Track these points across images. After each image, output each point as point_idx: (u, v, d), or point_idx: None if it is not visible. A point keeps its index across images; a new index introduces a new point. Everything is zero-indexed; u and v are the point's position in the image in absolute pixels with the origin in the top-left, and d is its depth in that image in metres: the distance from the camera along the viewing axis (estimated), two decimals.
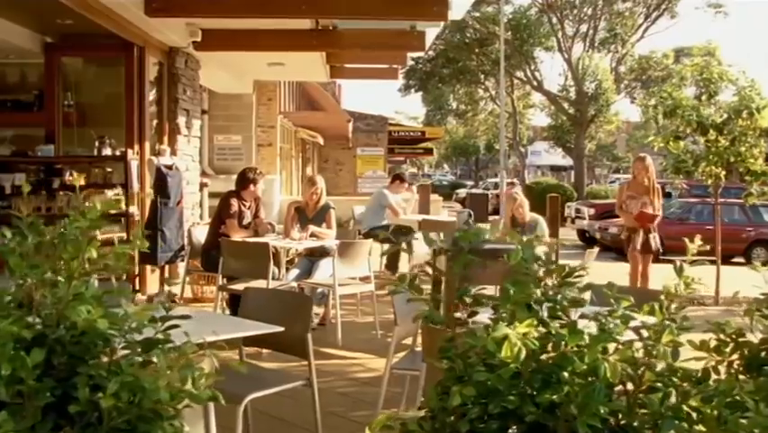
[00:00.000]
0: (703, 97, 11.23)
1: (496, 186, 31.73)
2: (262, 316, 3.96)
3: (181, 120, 9.99)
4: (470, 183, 56.08)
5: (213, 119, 15.75)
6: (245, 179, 7.63)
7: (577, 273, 2.06)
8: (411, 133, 38.95)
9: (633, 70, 33.13)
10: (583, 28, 33.52)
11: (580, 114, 30.84)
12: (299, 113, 20.77)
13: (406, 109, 68.35)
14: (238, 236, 7.32)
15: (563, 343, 1.74)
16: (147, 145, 8.81)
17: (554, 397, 1.67)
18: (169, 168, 8.29)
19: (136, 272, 8.54)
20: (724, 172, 10.81)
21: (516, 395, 1.74)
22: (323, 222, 7.71)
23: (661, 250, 9.25)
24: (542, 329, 1.88)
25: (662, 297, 1.84)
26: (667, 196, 21.71)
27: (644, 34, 33.92)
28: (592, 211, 20.59)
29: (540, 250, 6.98)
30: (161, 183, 8.14)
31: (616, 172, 56.58)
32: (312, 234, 7.49)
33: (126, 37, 8.35)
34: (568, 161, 41.80)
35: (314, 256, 7.64)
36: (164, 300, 3.79)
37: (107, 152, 8.22)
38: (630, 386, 1.91)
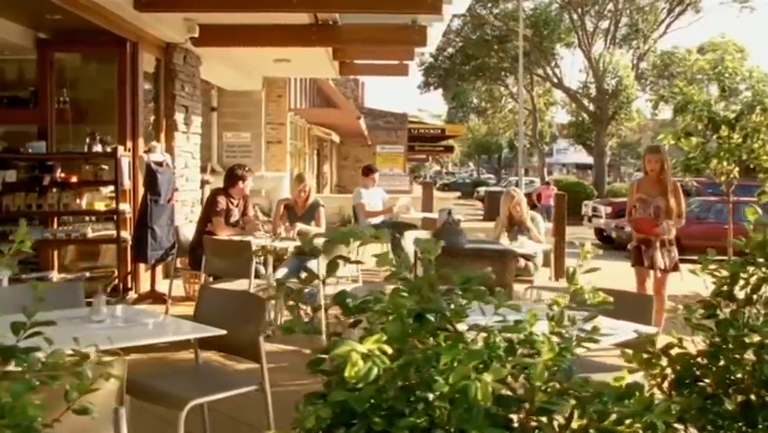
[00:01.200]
0: (716, 92, 10.93)
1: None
2: (215, 318, 3.82)
3: (179, 116, 9.89)
4: (492, 181, 55.72)
5: (222, 116, 15.69)
6: (233, 177, 7.51)
7: (480, 279, 1.87)
8: (431, 131, 38.75)
9: (655, 67, 32.61)
10: (604, 24, 33.09)
11: (600, 111, 30.39)
12: (312, 110, 20.65)
13: (430, 107, 68.02)
14: (225, 234, 7.20)
15: (436, 359, 1.55)
16: (140, 142, 8.70)
17: (419, 421, 1.49)
18: (160, 164, 8.18)
19: (128, 270, 8.44)
20: (737, 169, 10.52)
21: (386, 417, 1.56)
22: (312, 220, 7.56)
23: (667, 265, 6.94)
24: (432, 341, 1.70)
25: (553, 307, 1.65)
26: (688, 194, 21.29)
27: (666, 30, 33.40)
28: (609, 210, 20.21)
29: (535, 248, 6.73)
30: (152, 180, 8.04)
31: (640, 171, 55.42)
32: (300, 232, 7.33)
33: (118, 32, 8.25)
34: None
35: (303, 255, 7.48)
36: (102, 302, 3.66)
37: (98, 148, 8.11)
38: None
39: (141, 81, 8.74)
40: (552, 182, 26.54)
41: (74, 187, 8.18)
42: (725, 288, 2.10)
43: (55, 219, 8.47)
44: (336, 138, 28.13)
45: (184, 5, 8.25)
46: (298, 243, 7.35)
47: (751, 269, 2.07)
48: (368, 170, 11.20)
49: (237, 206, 7.51)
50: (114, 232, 8.13)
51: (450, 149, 41.97)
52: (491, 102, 39.72)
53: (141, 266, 8.60)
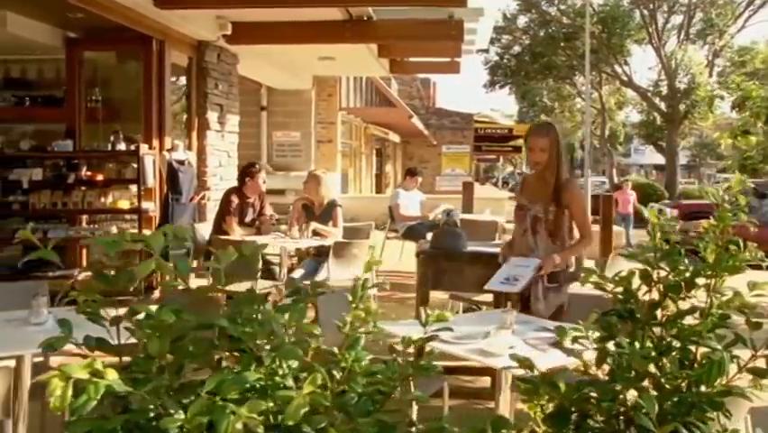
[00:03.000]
0: None
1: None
2: None
3: (212, 115, 9.84)
4: None
5: (271, 115, 15.67)
6: (245, 174, 7.37)
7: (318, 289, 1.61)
8: (498, 131, 37.94)
9: (733, 63, 31.12)
10: (677, 19, 31.82)
11: (672, 110, 29.20)
12: (364, 109, 20.49)
13: (503, 107, 67.14)
14: (237, 234, 7.05)
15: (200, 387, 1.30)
16: (167, 140, 8.65)
17: None
18: (182, 163, 8.11)
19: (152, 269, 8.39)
20: None
21: None
22: (329, 219, 7.34)
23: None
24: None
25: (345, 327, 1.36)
26: (762, 196, 19.92)
27: (745, 24, 31.86)
28: (675, 212, 19.31)
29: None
30: (173, 179, 7.98)
31: (722, 172, 53.27)
32: (315, 232, 7.13)
33: (143, 31, 8.22)
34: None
35: (321, 256, 7.27)
36: (42, 303, 3.51)
37: (122, 146, 8.10)
38: None
39: (167, 79, 8.69)
40: (630, 184, 22.42)
41: (99, 185, 8.19)
42: (627, 305, 1.78)
43: (83, 218, 8.50)
44: (396, 138, 27.85)
45: (207, 2, 8.17)
46: (314, 243, 7.17)
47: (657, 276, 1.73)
48: (411, 173, 11.41)
49: (252, 205, 7.36)
50: (137, 231, 8.09)
51: (518, 149, 41.10)
52: (559, 101, 38.75)
53: None
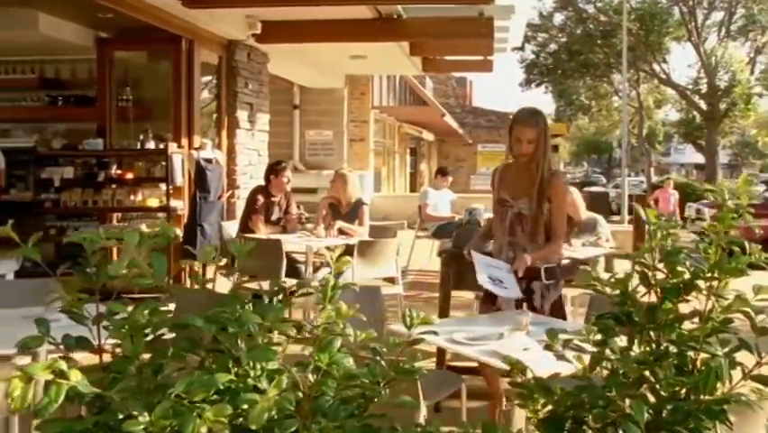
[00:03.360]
0: None
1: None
2: None
3: (242, 114, 9.88)
4: (603, 181, 53.79)
5: (304, 114, 15.72)
6: (268, 172, 7.38)
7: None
8: None
9: None
10: (717, 16, 31.18)
11: (712, 108, 28.63)
12: (397, 107, 20.44)
13: (539, 106, 66.26)
14: (263, 233, 7.06)
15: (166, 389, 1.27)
16: (196, 139, 8.71)
17: None
18: (209, 161, 8.15)
19: (181, 267, 8.45)
20: None
21: None
22: (356, 218, 7.32)
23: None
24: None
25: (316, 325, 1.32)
26: None
27: None
28: (714, 212, 18.87)
29: (590, 252, 6.21)
30: (201, 177, 8.03)
31: (763, 171, 52.20)
32: (340, 230, 7.11)
33: (172, 30, 8.29)
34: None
35: (347, 255, 7.23)
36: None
37: (151, 145, 8.17)
38: None
39: (197, 78, 8.75)
40: (671, 183, 20.19)
41: (129, 183, 8.28)
42: (625, 307, 1.71)
43: (114, 216, 8.58)
44: (430, 137, 27.76)
45: (232, 0, 8.20)
46: (339, 242, 7.14)
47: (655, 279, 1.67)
48: (442, 172, 11.44)
49: (278, 203, 7.36)
50: None
51: (555, 148, 40.73)
52: (596, 99, 38.26)
53: (196, 264, 8.60)
